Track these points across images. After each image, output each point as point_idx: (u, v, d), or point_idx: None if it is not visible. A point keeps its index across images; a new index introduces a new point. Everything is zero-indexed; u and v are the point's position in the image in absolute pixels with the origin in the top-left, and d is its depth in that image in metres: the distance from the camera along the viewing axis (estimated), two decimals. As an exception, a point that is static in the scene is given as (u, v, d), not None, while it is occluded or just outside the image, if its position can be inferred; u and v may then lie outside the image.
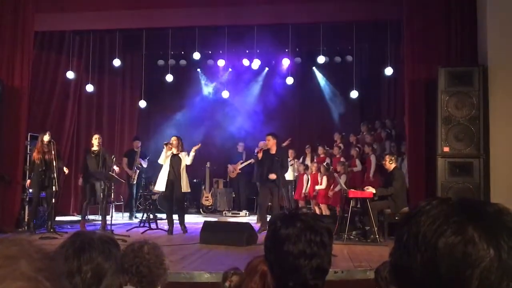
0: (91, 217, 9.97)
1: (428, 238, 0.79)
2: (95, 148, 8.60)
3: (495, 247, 0.75)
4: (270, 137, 8.64)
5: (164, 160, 8.40)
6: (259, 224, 8.60)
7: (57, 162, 8.10)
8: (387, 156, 8.02)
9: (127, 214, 11.02)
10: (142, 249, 2.38)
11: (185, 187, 8.43)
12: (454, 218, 0.78)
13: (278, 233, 1.54)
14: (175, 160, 8.43)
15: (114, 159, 8.20)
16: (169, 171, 8.37)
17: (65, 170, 8.53)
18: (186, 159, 8.49)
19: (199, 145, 8.81)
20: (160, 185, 8.44)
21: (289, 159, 10.97)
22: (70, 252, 1.46)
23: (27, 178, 8.68)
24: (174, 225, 8.46)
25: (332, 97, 12.53)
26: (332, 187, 9.87)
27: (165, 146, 8.43)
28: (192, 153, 8.54)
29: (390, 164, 7.84)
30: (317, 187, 9.97)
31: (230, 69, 12.93)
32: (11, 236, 0.76)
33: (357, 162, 9.86)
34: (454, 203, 0.82)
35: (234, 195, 12.25)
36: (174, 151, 8.42)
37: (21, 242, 0.72)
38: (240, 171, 11.85)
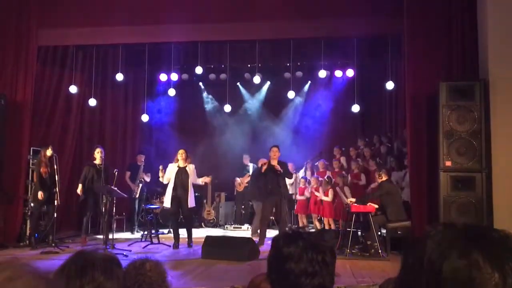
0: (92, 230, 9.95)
1: (433, 261, 0.79)
2: (97, 161, 8.61)
3: (500, 272, 0.75)
4: (276, 149, 8.64)
5: (167, 178, 8.39)
6: (254, 237, 8.57)
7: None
8: (376, 174, 8.20)
9: (129, 229, 10.98)
10: (144, 266, 2.37)
11: (191, 202, 8.40)
12: (460, 243, 0.78)
13: (281, 251, 1.55)
14: (181, 174, 8.39)
15: (116, 173, 8.20)
16: (174, 187, 8.34)
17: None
18: (195, 177, 8.48)
19: (210, 178, 8.81)
20: (166, 201, 8.43)
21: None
22: (72, 271, 1.46)
23: (30, 192, 8.67)
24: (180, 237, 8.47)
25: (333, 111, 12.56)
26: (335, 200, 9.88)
27: (160, 169, 8.46)
28: (200, 181, 8.60)
29: (380, 178, 8.02)
30: (324, 198, 9.92)
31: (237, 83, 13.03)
32: (7, 258, 0.76)
33: (362, 176, 9.87)
34: (459, 228, 0.82)
35: (236, 209, 12.18)
36: (181, 164, 8.42)
37: (17, 263, 0.73)
38: (247, 184, 11.71)
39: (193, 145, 11.76)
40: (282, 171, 8.42)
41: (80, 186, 8.63)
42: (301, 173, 11.10)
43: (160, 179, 8.50)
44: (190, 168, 8.44)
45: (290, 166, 10.97)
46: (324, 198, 9.92)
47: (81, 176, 8.78)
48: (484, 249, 0.77)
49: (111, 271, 1.50)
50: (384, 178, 7.99)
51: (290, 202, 10.97)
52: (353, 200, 8.10)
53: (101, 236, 8.71)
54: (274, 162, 8.50)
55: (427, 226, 0.85)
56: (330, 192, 9.86)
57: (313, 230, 10.35)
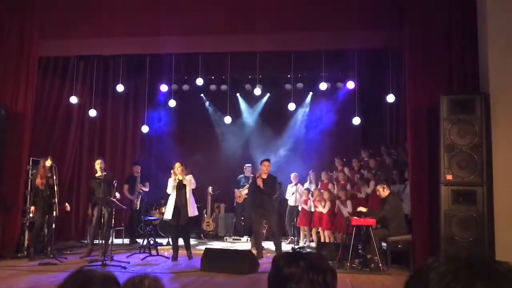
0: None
1: None
2: (98, 174, 8.60)
3: None
4: (267, 163, 8.72)
5: (172, 189, 8.42)
6: (254, 249, 8.58)
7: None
8: (378, 186, 8.09)
9: (127, 239, 10.92)
10: (143, 283, 2.33)
11: (191, 211, 8.41)
12: (463, 276, 0.76)
13: (281, 272, 1.53)
14: (180, 187, 8.47)
15: (115, 185, 8.17)
16: (175, 199, 8.38)
17: (67, 206, 8.38)
18: (192, 184, 8.48)
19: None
20: (168, 213, 8.48)
21: (291, 185, 10.98)
22: (70, 291, 1.44)
23: (28, 203, 8.64)
24: (180, 250, 8.46)
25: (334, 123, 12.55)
26: (335, 213, 9.82)
27: (172, 175, 8.49)
28: (193, 184, 8.57)
29: (384, 192, 7.92)
30: (320, 209, 9.87)
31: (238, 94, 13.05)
32: None
33: (362, 188, 9.84)
34: (462, 260, 0.80)
35: (235, 220, 12.14)
36: (179, 177, 8.44)
37: None
38: (246, 196, 11.68)
39: (193, 155, 11.74)
40: (262, 187, 8.46)
41: (90, 205, 8.71)
42: (305, 185, 11.06)
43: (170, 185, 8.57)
44: (187, 180, 8.45)
45: (294, 177, 10.97)
46: (320, 209, 9.87)
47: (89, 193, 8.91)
48: (488, 282, 0.75)
49: (109, 291, 1.48)
50: (387, 192, 7.93)
51: (291, 214, 10.94)
52: (364, 209, 7.96)
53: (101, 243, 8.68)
54: (265, 176, 8.62)
55: (430, 257, 0.83)
56: (327, 205, 9.79)
57: (313, 243, 10.29)
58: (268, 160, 8.91)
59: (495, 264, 0.79)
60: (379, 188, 8.03)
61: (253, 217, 8.75)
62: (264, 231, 9.42)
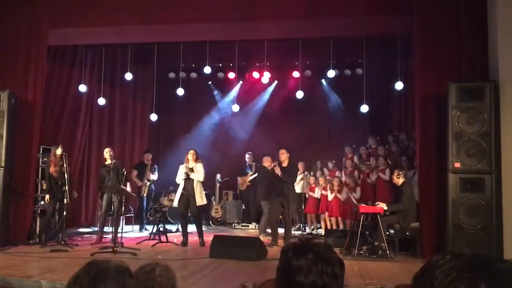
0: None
1: None
2: (108, 161, 8.68)
3: None
4: (284, 151, 8.70)
5: (181, 179, 8.51)
6: (262, 236, 8.63)
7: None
8: (395, 171, 8.06)
9: (137, 226, 11.04)
10: (154, 271, 2.39)
11: (199, 200, 8.46)
12: (467, 274, 0.79)
13: (290, 264, 1.55)
14: (188, 175, 8.50)
15: (125, 173, 8.24)
16: (183, 187, 8.46)
17: (75, 194, 8.42)
18: (200, 175, 8.48)
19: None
20: (175, 200, 8.60)
21: (299, 172, 11.02)
22: (85, 282, 1.48)
23: (39, 191, 8.74)
24: (194, 237, 8.59)
25: (341, 110, 12.52)
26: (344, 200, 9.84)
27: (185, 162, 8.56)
28: (202, 176, 8.57)
29: (398, 179, 7.90)
30: (338, 195, 9.84)
31: (241, 82, 13.03)
32: None
33: (371, 175, 9.83)
34: (467, 258, 0.83)
35: (244, 207, 12.24)
36: (191, 164, 8.49)
37: None
38: (250, 184, 11.82)
39: (201, 143, 11.80)
40: (281, 175, 8.45)
41: (99, 194, 8.79)
42: (311, 173, 11.09)
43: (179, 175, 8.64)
44: (197, 168, 8.50)
45: (301, 165, 10.98)
46: (338, 196, 9.85)
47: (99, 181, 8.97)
48: (491, 281, 0.78)
49: (124, 282, 1.52)
50: (402, 180, 7.89)
51: (299, 201, 10.98)
52: (383, 205, 7.77)
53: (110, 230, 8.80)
54: (285, 164, 8.60)
55: (435, 255, 0.86)
56: (344, 192, 9.77)
57: (320, 229, 10.35)
58: (284, 148, 8.86)
59: (498, 262, 0.82)
60: (394, 174, 7.99)
61: (273, 205, 8.68)
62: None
